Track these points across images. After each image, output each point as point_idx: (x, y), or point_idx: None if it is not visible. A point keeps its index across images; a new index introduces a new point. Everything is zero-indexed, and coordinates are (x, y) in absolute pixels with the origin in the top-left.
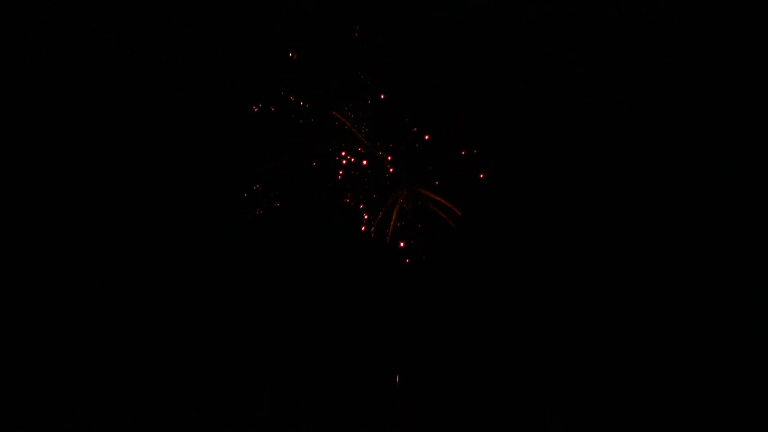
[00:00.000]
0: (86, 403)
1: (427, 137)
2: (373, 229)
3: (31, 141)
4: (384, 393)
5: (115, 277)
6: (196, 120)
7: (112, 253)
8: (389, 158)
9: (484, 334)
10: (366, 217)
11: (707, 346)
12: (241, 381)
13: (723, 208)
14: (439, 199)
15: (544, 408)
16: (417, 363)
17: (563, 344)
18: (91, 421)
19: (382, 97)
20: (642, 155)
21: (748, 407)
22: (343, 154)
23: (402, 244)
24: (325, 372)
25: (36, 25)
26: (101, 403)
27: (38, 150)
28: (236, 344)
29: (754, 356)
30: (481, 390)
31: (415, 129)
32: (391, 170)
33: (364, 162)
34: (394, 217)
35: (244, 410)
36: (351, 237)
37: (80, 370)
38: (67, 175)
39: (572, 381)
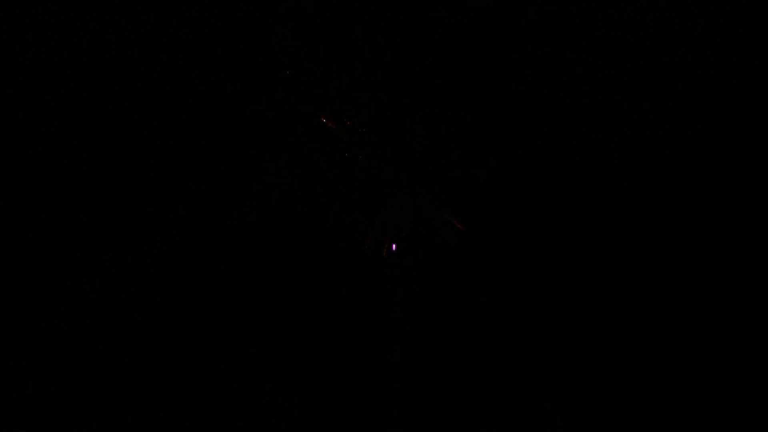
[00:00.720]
0: (86, 403)
1: (426, 139)
2: (368, 243)
3: (31, 141)
4: (384, 393)
5: (115, 277)
6: (196, 120)
7: (112, 253)
8: (387, 162)
9: (485, 335)
10: (360, 228)
11: (707, 347)
12: (241, 381)
13: (724, 209)
14: (439, 210)
15: (545, 408)
16: (417, 363)
17: (564, 345)
18: (91, 421)
19: (380, 98)
20: (643, 155)
21: (748, 407)
22: (338, 159)
23: (397, 254)
24: (324, 372)
25: (36, 25)
26: (101, 403)
27: (38, 150)
28: (236, 345)
29: (754, 356)
30: (481, 390)
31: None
32: (388, 175)
33: (360, 165)
34: (389, 230)
35: (244, 410)
36: (347, 246)
37: (80, 370)
38: (67, 175)
39: (573, 382)
